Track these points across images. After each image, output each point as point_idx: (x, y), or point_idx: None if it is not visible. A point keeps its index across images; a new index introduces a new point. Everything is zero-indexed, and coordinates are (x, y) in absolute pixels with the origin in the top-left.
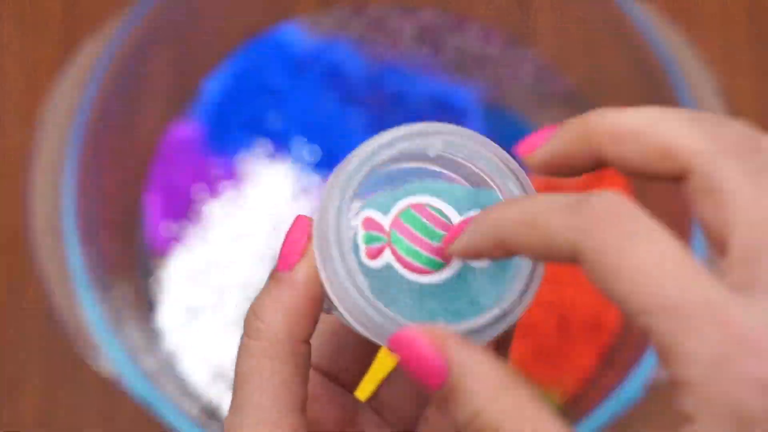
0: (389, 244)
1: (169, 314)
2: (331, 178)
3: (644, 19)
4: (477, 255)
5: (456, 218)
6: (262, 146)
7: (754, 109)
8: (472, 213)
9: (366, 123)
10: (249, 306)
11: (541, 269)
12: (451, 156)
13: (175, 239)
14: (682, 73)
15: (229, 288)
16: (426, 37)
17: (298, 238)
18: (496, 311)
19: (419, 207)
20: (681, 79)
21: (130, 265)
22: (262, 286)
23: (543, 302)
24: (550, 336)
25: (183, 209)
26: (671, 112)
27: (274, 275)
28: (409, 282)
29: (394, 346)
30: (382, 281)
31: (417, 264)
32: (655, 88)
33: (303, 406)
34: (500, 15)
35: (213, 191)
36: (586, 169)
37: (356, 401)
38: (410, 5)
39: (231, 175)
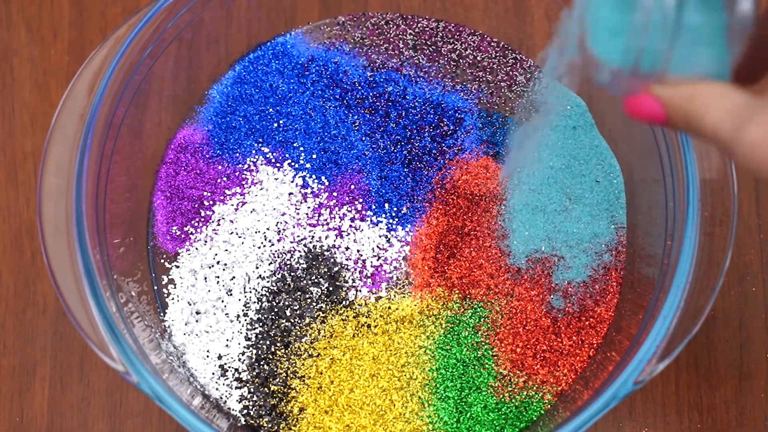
0: None
1: (176, 312)
2: None
3: None
4: None
5: None
6: (266, 150)
7: None
8: None
9: (366, 127)
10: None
11: None
12: None
13: (181, 240)
14: None
15: (233, 287)
16: (424, 44)
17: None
18: None
19: None
20: None
21: (138, 265)
22: (265, 285)
23: (538, 301)
24: (545, 334)
25: (189, 211)
26: None
27: None
28: None
29: None
30: None
31: None
32: None
33: None
34: (497, 23)
35: (218, 194)
36: None
37: None
38: (409, 13)
39: (235, 178)
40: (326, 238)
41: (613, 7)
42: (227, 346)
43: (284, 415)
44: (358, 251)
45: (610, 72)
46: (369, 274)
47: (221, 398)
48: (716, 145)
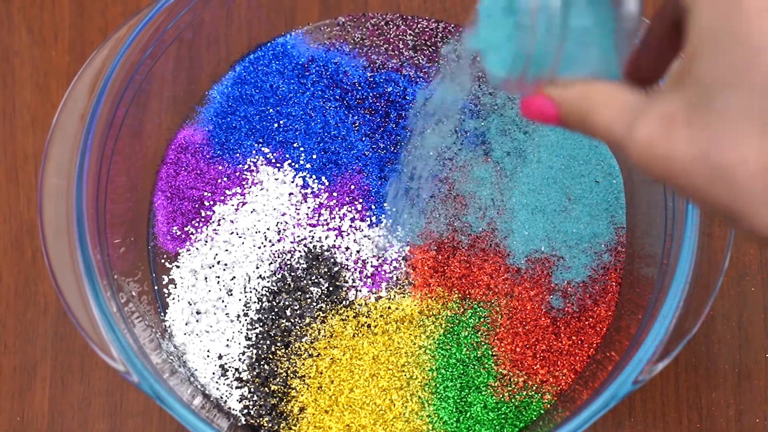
0: None
1: (176, 312)
2: None
3: None
4: None
5: None
6: (266, 150)
7: None
8: None
9: (365, 127)
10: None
11: None
12: None
13: (182, 240)
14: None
15: (234, 287)
16: (424, 45)
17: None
18: None
19: None
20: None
21: (139, 265)
22: (265, 285)
23: (538, 301)
24: (545, 333)
25: (189, 211)
26: None
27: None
28: None
29: None
30: None
31: None
32: None
33: None
34: None
35: (218, 194)
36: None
37: None
38: (409, 14)
39: (236, 178)
40: (326, 238)
41: (497, 16)
42: (227, 345)
43: (284, 414)
44: (358, 251)
45: (500, 80)
46: (369, 274)
47: (221, 398)
48: (609, 144)
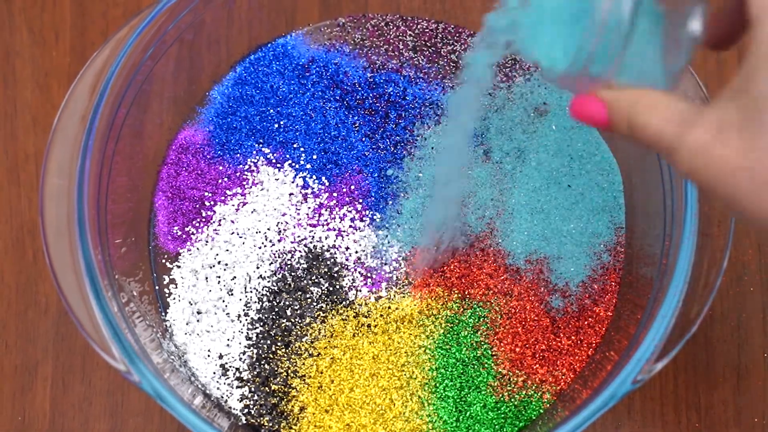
0: None
1: (177, 312)
2: None
3: None
4: None
5: None
6: (266, 150)
7: None
8: None
9: (366, 128)
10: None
11: None
12: None
13: (182, 240)
14: None
15: (234, 287)
16: (424, 46)
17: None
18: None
19: None
20: None
21: (140, 265)
22: (266, 285)
23: (537, 301)
24: (544, 333)
25: (190, 212)
26: None
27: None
28: None
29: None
30: None
31: None
32: None
33: None
34: None
35: (219, 194)
36: None
37: None
38: (409, 15)
39: (236, 178)
40: (326, 238)
41: (560, 15)
42: (228, 345)
43: (285, 414)
44: (357, 251)
45: (558, 74)
46: (369, 274)
47: (222, 397)
48: (657, 150)
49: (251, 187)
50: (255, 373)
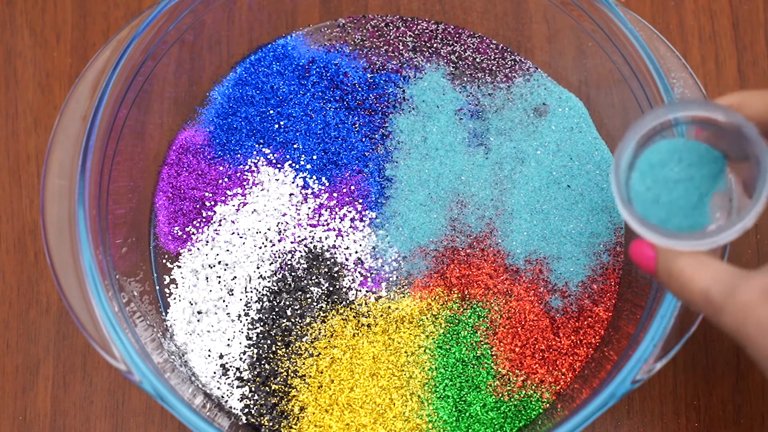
0: None
1: (177, 311)
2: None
3: (631, 26)
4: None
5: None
6: (267, 151)
7: None
8: None
9: (365, 128)
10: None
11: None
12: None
13: (183, 240)
14: (666, 72)
15: (235, 287)
16: (424, 46)
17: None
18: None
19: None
20: (664, 78)
21: (140, 265)
22: (266, 285)
23: (537, 301)
24: (544, 333)
25: (191, 212)
26: None
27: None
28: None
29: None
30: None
31: None
32: (643, 87)
33: None
34: (496, 25)
35: (219, 194)
36: None
37: None
38: (409, 15)
39: (236, 178)
40: (326, 238)
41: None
42: (228, 345)
43: (285, 413)
44: (357, 251)
45: (635, 217)
46: (369, 275)
47: (222, 397)
48: (700, 306)
49: (251, 187)
50: (255, 372)
